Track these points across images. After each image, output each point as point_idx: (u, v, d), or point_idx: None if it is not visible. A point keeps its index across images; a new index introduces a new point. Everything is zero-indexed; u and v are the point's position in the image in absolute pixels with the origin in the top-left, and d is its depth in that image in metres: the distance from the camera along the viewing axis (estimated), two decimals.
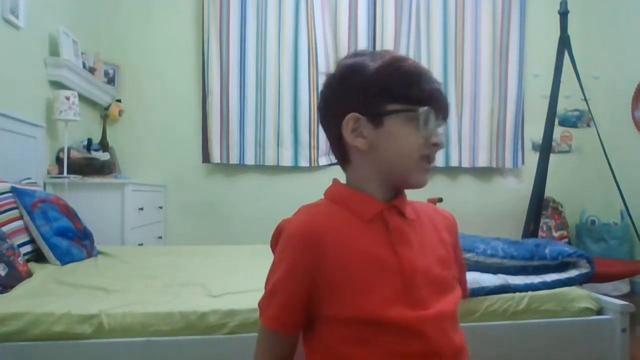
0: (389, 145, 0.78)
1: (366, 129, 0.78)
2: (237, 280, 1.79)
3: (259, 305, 0.80)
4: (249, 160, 3.72)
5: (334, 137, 0.82)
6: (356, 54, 0.83)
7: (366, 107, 0.78)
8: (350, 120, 0.78)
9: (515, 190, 4.02)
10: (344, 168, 0.85)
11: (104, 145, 3.37)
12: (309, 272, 0.74)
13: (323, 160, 3.74)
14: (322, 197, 0.85)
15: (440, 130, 0.81)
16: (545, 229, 3.94)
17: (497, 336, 1.61)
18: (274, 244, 0.80)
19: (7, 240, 1.81)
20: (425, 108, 0.77)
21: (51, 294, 1.58)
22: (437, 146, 0.79)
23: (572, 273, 1.75)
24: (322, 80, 0.91)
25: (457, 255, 0.88)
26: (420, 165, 0.80)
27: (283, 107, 3.71)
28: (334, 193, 0.84)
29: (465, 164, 3.91)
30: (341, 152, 0.83)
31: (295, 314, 0.76)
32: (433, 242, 0.83)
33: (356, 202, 0.80)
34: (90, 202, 2.78)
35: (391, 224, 0.78)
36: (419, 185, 0.81)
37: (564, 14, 3.28)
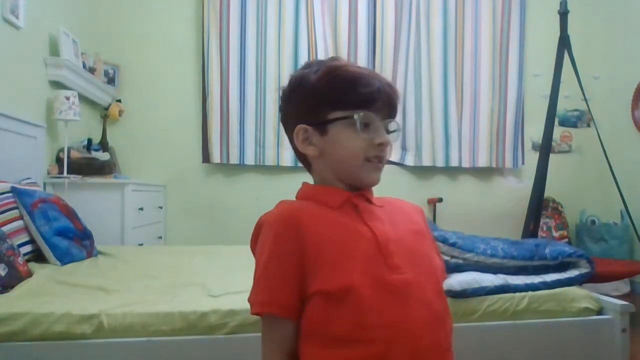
0: (334, 150, 0.84)
1: (314, 137, 0.85)
2: (237, 280, 1.79)
3: (249, 301, 0.80)
4: (249, 160, 3.72)
5: (294, 146, 0.89)
6: (304, 67, 0.90)
7: (311, 117, 0.85)
8: (299, 131, 0.86)
9: (515, 190, 4.02)
10: (309, 171, 0.92)
11: (104, 145, 3.37)
12: (293, 253, 0.76)
13: None
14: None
15: (393, 126, 0.87)
16: (545, 229, 3.94)
17: (497, 336, 1.61)
18: (254, 242, 0.82)
19: (7, 240, 1.81)
20: (361, 112, 0.82)
21: (51, 294, 1.58)
22: (382, 145, 0.84)
23: (572, 273, 1.75)
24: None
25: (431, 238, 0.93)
26: (368, 165, 0.84)
27: None
28: (303, 192, 0.90)
29: (465, 164, 3.91)
30: (302, 159, 0.91)
31: (286, 294, 0.76)
32: (404, 219, 0.88)
33: (324, 194, 0.86)
34: (90, 202, 2.78)
35: (360, 206, 0.84)
36: (370, 184, 0.87)
37: (564, 14, 3.28)
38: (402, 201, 0.94)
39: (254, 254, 0.83)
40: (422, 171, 3.93)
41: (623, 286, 3.58)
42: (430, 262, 0.84)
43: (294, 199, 0.90)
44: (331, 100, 0.83)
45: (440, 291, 0.83)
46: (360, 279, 0.75)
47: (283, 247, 0.77)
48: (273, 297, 0.77)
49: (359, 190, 0.87)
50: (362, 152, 0.83)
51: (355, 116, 0.82)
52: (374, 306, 0.74)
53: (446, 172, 3.97)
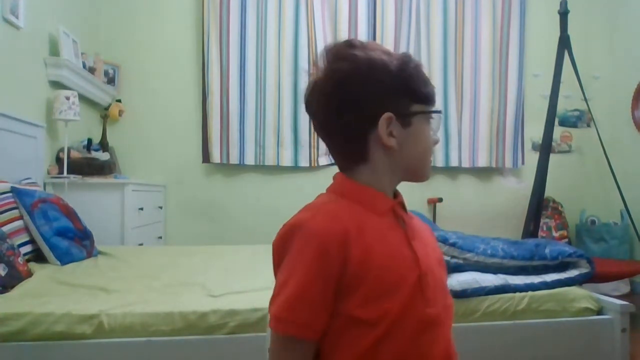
0: (415, 144, 0.80)
1: (396, 129, 0.78)
2: (237, 280, 1.79)
3: (279, 314, 0.71)
4: (249, 160, 3.72)
5: (354, 135, 0.79)
6: (356, 46, 0.80)
7: (397, 107, 0.78)
8: (386, 120, 0.77)
9: (515, 190, 4.02)
10: (353, 167, 0.81)
11: (104, 145, 3.37)
12: (336, 271, 0.70)
13: (323, 160, 3.73)
14: (325, 192, 0.83)
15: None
16: (545, 229, 3.94)
17: (497, 336, 1.61)
18: (285, 244, 0.73)
19: (7, 240, 1.81)
20: (439, 109, 0.83)
21: (51, 294, 1.58)
22: (437, 142, 0.86)
23: (572, 273, 1.75)
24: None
25: None
26: (430, 161, 0.86)
27: (283, 107, 3.71)
28: (344, 188, 0.80)
29: (465, 164, 3.91)
30: (360, 151, 0.80)
31: (324, 318, 0.71)
32: (431, 241, 0.85)
33: (369, 198, 0.79)
34: (90, 202, 2.78)
35: (404, 220, 0.80)
36: (428, 178, 0.85)
37: (564, 14, 3.28)
38: (415, 217, 0.88)
39: (279, 255, 0.74)
40: None
41: (623, 286, 3.58)
42: (448, 295, 0.83)
43: (324, 192, 0.82)
44: (414, 92, 0.80)
45: (451, 326, 0.81)
46: (401, 311, 0.72)
47: (328, 267, 0.70)
48: (311, 322, 0.70)
49: (396, 191, 0.84)
50: (432, 147, 0.85)
51: (435, 115, 0.82)
52: (406, 339, 0.72)
53: (446, 172, 3.96)
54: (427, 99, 0.81)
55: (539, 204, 3.26)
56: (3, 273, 1.64)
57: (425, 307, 0.74)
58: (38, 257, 2.10)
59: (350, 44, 0.80)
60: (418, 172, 0.83)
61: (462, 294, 1.59)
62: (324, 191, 0.84)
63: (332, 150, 0.83)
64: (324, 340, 0.72)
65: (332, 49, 0.81)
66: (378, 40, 3.86)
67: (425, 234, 0.85)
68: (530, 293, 1.65)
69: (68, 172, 2.83)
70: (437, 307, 0.76)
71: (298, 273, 0.70)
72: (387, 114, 0.77)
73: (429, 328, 0.74)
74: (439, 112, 0.83)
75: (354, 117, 0.79)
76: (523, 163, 4.02)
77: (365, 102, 0.78)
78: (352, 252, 0.70)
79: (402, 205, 0.83)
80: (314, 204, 0.78)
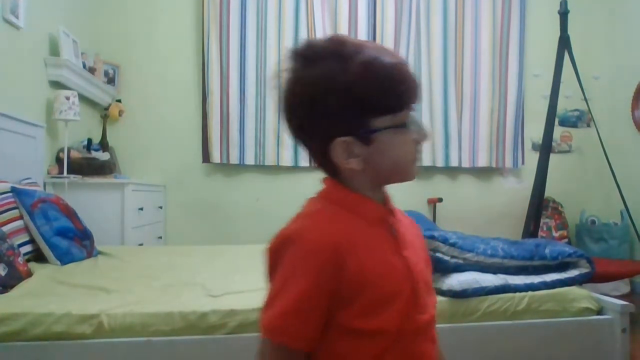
0: (384, 159, 0.74)
1: (357, 148, 0.72)
2: (237, 280, 1.79)
3: (274, 323, 0.70)
4: (249, 160, 3.72)
5: (318, 153, 0.76)
6: (311, 57, 0.72)
7: (351, 126, 0.72)
8: (338, 146, 0.72)
9: (515, 190, 4.02)
10: (331, 177, 0.78)
11: (104, 145, 3.37)
12: (332, 285, 0.69)
13: None
14: (314, 196, 0.80)
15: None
16: (545, 229, 3.94)
17: (497, 336, 1.61)
18: (278, 255, 0.71)
19: (7, 240, 1.81)
20: (409, 114, 0.74)
21: (51, 294, 1.58)
22: (424, 139, 0.77)
23: (572, 273, 1.75)
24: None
25: None
26: (414, 163, 0.78)
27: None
28: (335, 196, 0.77)
29: (465, 164, 3.91)
30: (329, 167, 0.76)
31: (318, 329, 0.71)
32: (417, 242, 0.84)
33: (359, 205, 0.76)
34: (90, 202, 2.78)
35: (394, 228, 0.78)
36: (414, 177, 0.78)
37: (564, 14, 3.28)
38: (401, 212, 0.85)
39: (272, 265, 0.73)
40: (422, 171, 3.92)
41: (623, 286, 3.58)
42: (433, 294, 0.82)
43: (314, 196, 0.79)
44: (375, 104, 0.71)
45: (436, 322, 0.81)
46: (399, 321, 0.72)
47: (322, 280, 0.69)
48: (305, 334, 0.70)
49: (384, 194, 0.80)
50: (414, 154, 0.76)
51: (409, 118, 0.73)
52: (405, 345, 0.73)
53: (446, 172, 3.96)
54: (392, 108, 0.72)
55: (539, 204, 3.26)
56: (3, 273, 1.64)
57: (418, 314, 0.75)
58: (38, 257, 2.10)
59: (299, 54, 0.74)
60: (398, 177, 0.77)
61: (462, 294, 1.59)
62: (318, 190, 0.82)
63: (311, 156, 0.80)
64: (319, 351, 0.72)
65: (287, 60, 0.74)
66: (378, 41, 3.86)
67: (412, 234, 0.82)
68: (530, 293, 1.65)
69: (68, 172, 2.83)
70: (429, 311, 0.77)
71: (293, 285, 0.69)
72: (338, 139, 0.71)
73: (423, 332, 0.76)
74: (401, 124, 0.73)
75: (309, 136, 0.76)
76: (523, 163, 4.02)
77: (316, 127, 0.74)
78: (347, 264, 0.69)
79: (391, 210, 0.80)
80: (306, 213, 0.76)
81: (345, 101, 0.70)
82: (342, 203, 0.76)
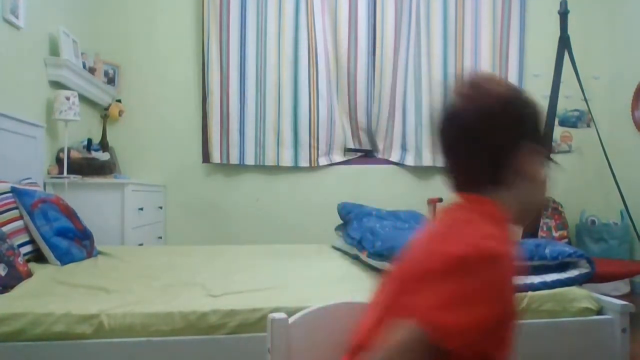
0: (542, 180, 0.85)
1: (534, 160, 0.83)
2: (237, 280, 1.79)
3: (457, 330, 0.70)
4: (249, 160, 3.72)
5: (489, 159, 0.83)
6: (493, 82, 0.87)
7: (537, 142, 0.84)
8: (530, 150, 0.82)
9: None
10: (482, 189, 0.84)
11: (104, 145, 3.37)
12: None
13: (323, 160, 3.73)
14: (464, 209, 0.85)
15: None
16: (545, 229, 3.93)
17: None
18: (470, 266, 0.72)
19: (7, 240, 1.81)
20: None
21: (51, 294, 1.58)
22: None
23: (572, 273, 1.75)
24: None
25: None
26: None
27: (283, 107, 3.71)
28: (503, 222, 0.82)
29: None
30: (492, 174, 0.83)
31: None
32: None
33: (512, 237, 0.83)
34: (90, 202, 2.78)
35: None
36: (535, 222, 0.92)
37: (564, 14, 3.28)
38: None
39: (455, 271, 0.72)
40: (422, 171, 3.92)
41: (623, 286, 3.58)
42: None
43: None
44: (539, 133, 0.85)
45: None
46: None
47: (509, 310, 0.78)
48: (474, 345, 0.73)
49: None
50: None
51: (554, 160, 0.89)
52: None
53: None
54: (543, 142, 0.85)
55: None
56: (3, 273, 1.64)
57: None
58: (38, 257, 2.10)
59: (489, 79, 0.88)
60: (539, 208, 0.90)
61: None
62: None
63: (462, 172, 0.88)
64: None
65: (476, 82, 0.88)
66: (378, 40, 3.87)
67: None
68: (530, 293, 1.65)
69: (68, 172, 2.83)
70: None
71: (487, 304, 0.72)
72: (531, 145, 0.83)
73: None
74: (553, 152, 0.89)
75: (489, 143, 0.83)
76: None
77: (498, 130, 0.82)
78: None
79: None
80: (489, 232, 0.77)
81: (536, 119, 0.85)
82: (505, 230, 0.81)
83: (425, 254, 0.78)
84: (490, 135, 0.83)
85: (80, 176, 2.90)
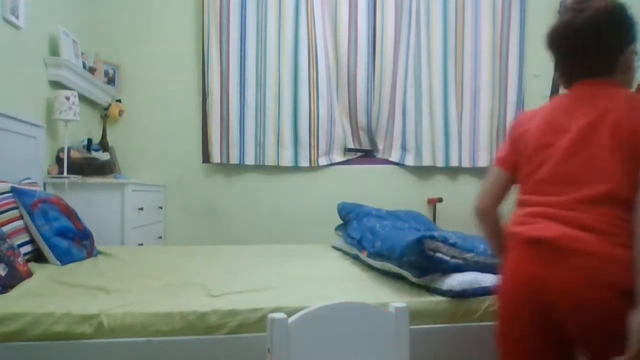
0: (634, 72, 1.24)
1: (632, 57, 1.22)
2: (237, 280, 1.79)
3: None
4: (249, 160, 3.72)
5: (611, 56, 1.20)
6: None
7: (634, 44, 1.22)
8: (631, 50, 1.21)
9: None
10: (602, 75, 1.22)
11: (104, 145, 3.37)
12: None
13: (323, 160, 3.74)
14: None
15: None
16: None
17: None
18: None
19: (7, 240, 1.81)
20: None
21: (51, 294, 1.58)
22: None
23: None
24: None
25: None
26: None
27: (283, 107, 3.71)
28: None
29: (465, 164, 3.91)
30: (610, 65, 1.21)
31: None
32: None
33: None
34: (90, 202, 2.79)
35: None
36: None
37: None
38: None
39: None
40: (422, 171, 3.93)
41: None
42: None
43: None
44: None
45: None
46: None
47: None
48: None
49: None
50: None
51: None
52: None
53: (446, 172, 3.96)
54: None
55: None
56: (3, 273, 1.64)
57: None
58: (38, 257, 2.10)
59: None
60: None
61: (462, 294, 1.59)
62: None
63: (592, 64, 1.22)
64: None
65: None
66: (378, 41, 3.87)
67: None
68: None
69: (68, 172, 2.83)
70: None
71: None
72: (633, 47, 1.21)
73: None
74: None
75: (614, 42, 1.20)
76: None
77: (622, 33, 1.20)
78: None
79: None
80: None
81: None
82: None
83: None
84: (609, 36, 1.20)
85: (80, 176, 2.90)
